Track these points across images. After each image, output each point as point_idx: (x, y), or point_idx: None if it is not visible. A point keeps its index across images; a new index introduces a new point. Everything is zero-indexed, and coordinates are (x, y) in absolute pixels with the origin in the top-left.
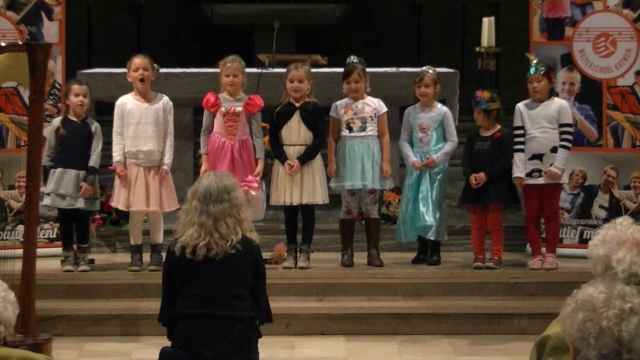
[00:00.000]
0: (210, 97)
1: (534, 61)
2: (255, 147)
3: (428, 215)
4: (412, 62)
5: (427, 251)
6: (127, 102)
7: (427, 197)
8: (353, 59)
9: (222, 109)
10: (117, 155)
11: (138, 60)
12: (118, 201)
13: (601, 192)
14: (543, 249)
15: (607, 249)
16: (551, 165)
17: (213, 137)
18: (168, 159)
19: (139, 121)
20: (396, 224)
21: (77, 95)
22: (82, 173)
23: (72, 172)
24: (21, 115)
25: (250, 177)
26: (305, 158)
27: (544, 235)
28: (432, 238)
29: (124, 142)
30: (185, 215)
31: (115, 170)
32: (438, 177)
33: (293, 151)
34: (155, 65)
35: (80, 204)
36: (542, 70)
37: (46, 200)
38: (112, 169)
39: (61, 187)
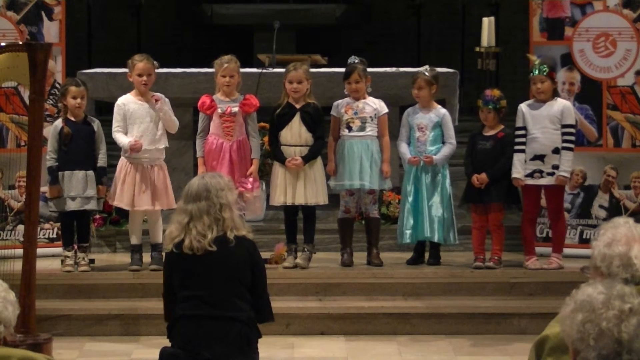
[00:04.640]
0: (205, 99)
1: (537, 62)
2: (252, 147)
3: (432, 227)
4: (412, 62)
5: (424, 253)
6: (128, 103)
7: (430, 209)
8: (354, 59)
9: (219, 110)
10: (124, 140)
11: (141, 65)
12: (121, 200)
13: (601, 192)
14: (540, 249)
15: (623, 246)
16: (554, 167)
17: (210, 139)
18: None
19: (143, 120)
20: (397, 225)
21: (74, 97)
22: (89, 173)
23: (80, 174)
24: (21, 115)
25: (243, 179)
26: (308, 158)
27: (540, 235)
28: (442, 243)
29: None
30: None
31: (135, 145)
32: (440, 186)
33: (293, 152)
34: (156, 63)
35: (92, 205)
36: (545, 71)
37: (60, 206)
38: (131, 145)
39: (71, 189)
